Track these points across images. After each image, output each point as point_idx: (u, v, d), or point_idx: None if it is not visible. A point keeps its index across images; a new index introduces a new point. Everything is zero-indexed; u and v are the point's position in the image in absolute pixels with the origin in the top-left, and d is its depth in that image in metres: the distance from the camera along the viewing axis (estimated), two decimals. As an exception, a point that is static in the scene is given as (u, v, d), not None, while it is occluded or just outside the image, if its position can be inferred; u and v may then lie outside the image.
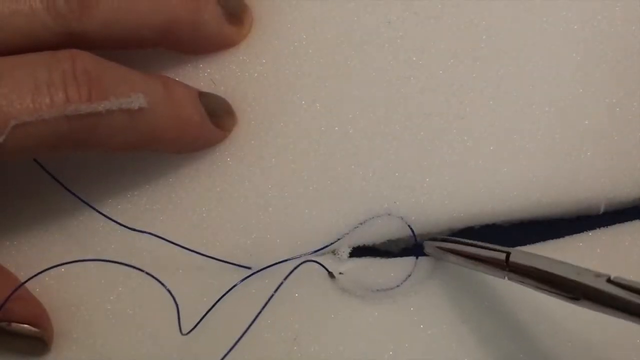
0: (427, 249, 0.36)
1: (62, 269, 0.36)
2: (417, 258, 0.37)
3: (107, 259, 0.36)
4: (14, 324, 0.34)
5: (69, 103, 0.30)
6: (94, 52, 0.32)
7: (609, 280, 0.28)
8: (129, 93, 0.32)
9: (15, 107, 0.29)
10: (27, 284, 0.36)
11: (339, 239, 0.37)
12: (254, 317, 0.36)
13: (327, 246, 0.37)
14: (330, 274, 0.36)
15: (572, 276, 0.29)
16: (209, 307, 0.35)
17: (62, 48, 0.31)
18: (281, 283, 0.35)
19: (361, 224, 0.37)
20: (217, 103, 0.37)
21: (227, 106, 0.37)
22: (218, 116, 0.37)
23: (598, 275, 0.29)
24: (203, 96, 0.36)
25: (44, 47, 0.31)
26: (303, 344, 0.36)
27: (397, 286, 0.36)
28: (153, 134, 0.34)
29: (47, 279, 0.37)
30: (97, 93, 0.31)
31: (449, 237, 0.36)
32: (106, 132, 0.31)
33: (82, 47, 0.32)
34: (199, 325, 0.35)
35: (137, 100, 0.32)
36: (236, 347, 0.35)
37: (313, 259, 0.36)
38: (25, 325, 0.35)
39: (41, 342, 0.35)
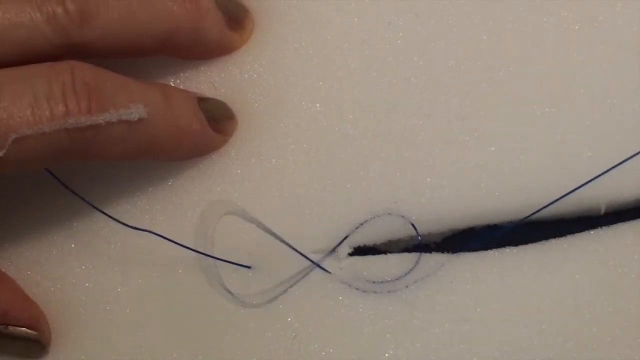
0: None
1: (62, 269, 0.37)
2: (420, 255, 0.37)
3: (107, 259, 0.36)
4: (11, 327, 0.34)
5: (68, 116, 0.30)
6: (95, 60, 0.32)
7: None
8: (128, 104, 0.32)
9: (15, 120, 0.29)
10: (24, 285, 0.36)
11: (346, 237, 0.37)
12: (255, 318, 0.36)
13: (336, 247, 0.37)
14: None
15: None
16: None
17: (62, 58, 0.31)
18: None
19: (362, 224, 0.37)
20: (217, 108, 0.37)
21: (227, 111, 0.37)
22: (218, 121, 0.37)
23: None
24: (203, 102, 0.36)
25: (44, 58, 0.31)
26: (303, 342, 0.36)
27: (397, 279, 0.36)
28: (152, 143, 0.34)
29: (45, 280, 0.37)
30: (96, 105, 0.31)
31: None
32: (105, 143, 0.32)
33: (82, 56, 0.32)
34: (197, 326, 0.35)
35: (136, 111, 0.32)
36: (235, 347, 0.35)
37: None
38: (23, 328, 0.35)
39: (39, 344, 0.35)
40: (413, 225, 0.37)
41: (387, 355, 0.35)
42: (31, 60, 0.31)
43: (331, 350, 0.36)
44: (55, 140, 0.30)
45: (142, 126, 0.32)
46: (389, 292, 0.36)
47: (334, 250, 0.37)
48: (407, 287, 0.36)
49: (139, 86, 0.33)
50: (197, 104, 0.36)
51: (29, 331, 0.35)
